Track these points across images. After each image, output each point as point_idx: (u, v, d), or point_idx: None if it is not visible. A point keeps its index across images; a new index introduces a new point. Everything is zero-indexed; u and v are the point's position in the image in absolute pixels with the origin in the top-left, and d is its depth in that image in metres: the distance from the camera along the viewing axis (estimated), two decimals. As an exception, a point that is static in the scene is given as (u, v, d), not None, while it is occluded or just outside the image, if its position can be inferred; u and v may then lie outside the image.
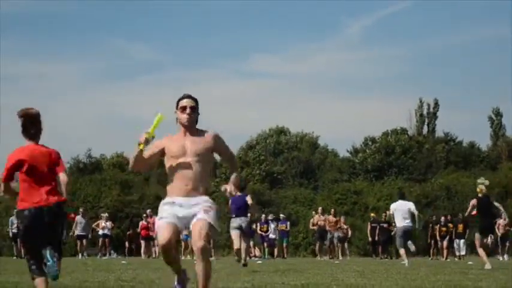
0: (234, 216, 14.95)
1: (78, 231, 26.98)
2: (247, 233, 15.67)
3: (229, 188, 6.26)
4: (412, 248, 17.47)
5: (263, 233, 28.93)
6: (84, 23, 75.79)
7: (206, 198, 5.99)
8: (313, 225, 29.34)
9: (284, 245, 29.68)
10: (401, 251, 17.80)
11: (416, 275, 11.95)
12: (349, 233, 30.36)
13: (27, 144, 6.23)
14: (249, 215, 15.15)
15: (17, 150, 6.23)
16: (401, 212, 17.66)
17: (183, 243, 28.42)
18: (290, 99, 76.93)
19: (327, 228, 28.81)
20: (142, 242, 28.78)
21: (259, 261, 21.66)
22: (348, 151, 54.86)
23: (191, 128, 6.04)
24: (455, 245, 28.86)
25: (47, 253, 5.96)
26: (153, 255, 27.95)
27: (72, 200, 34.67)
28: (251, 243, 25.34)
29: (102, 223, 28.83)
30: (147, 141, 5.97)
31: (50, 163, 6.22)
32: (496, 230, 27.85)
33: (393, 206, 18.07)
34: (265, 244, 29.15)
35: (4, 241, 36.22)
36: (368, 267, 15.62)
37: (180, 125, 6.06)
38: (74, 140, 68.45)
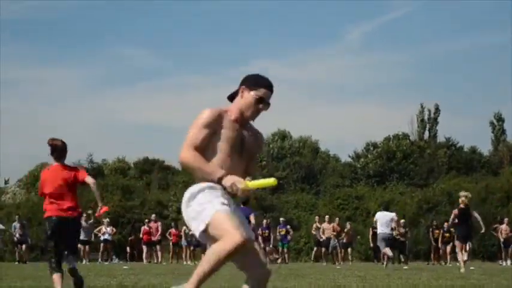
0: None
1: (81, 236, 26.95)
2: None
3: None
4: (390, 253, 19.58)
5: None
6: (84, 29, 76.08)
7: (243, 207, 4.91)
8: (316, 229, 29.27)
9: (282, 249, 29.48)
10: (385, 250, 19.74)
11: (418, 280, 11.95)
12: (355, 239, 30.32)
13: (53, 164, 7.94)
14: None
15: (44, 170, 8.05)
16: (382, 221, 19.75)
17: (184, 248, 28.47)
18: (291, 105, 77.10)
19: (331, 235, 28.77)
20: (144, 247, 28.78)
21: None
22: (349, 156, 54.95)
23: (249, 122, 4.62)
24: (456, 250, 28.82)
25: (69, 258, 7.73)
26: (155, 261, 27.96)
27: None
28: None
29: (103, 228, 28.85)
30: (243, 191, 4.37)
31: (69, 179, 7.83)
32: (499, 235, 27.83)
33: (376, 216, 20.32)
34: (267, 249, 29.10)
35: (6, 246, 36.25)
36: (370, 272, 15.62)
37: (235, 107, 4.50)
38: (74, 145, 68.42)
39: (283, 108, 75.98)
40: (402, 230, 28.00)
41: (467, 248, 17.78)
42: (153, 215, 29.95)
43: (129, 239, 33.31)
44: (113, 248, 30.81)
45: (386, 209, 21.43)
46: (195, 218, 4.25)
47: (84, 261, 26.27)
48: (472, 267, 20.75)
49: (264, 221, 29.74)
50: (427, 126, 55.13)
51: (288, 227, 30.33)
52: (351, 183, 49.43)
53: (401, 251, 28.09)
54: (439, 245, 29.12)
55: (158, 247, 28.39)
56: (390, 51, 74.32)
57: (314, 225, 29.68)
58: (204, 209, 4.22)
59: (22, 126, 75.53)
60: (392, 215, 20.36)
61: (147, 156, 56.13)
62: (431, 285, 10.21)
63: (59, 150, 7.83)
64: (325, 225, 29.10)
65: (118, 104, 76.48)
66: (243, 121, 4.50)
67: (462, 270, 16.35)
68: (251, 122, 4.59)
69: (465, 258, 17.30)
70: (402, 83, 74.29)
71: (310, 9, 74.44)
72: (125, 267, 20.18)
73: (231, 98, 4.58)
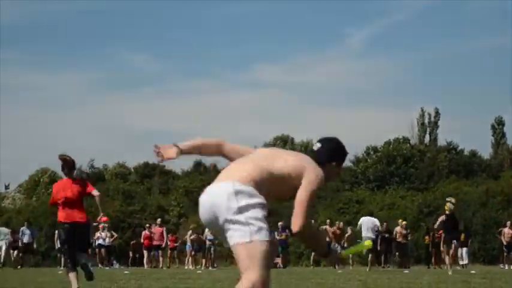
0: None
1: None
2: None
3: None
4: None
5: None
6: (84, 33, 76.07)
7: None
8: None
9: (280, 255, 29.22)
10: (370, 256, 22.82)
11: (419, 284, 11.95)
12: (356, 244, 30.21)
13: (64, 179, 9.64)
14: None
15: (56, 183, 9.84)
16: (366, 225, 21.80)
17: (188, 252, 28.43)
18: (292, 109, 77.06)
19: (332, 240, 28.71)
20: (145, 252, 28.76)
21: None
22: (349, 160, 54.89)
23: None
24: (458, 253, 28.79)
25: (83, 261, 9.26)
26: (159, 265, 27.91)
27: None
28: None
29: (97, 233, 28.75)
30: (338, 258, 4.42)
31: (78, 192, 9.37)
32: (502, 238, 27.77)
33: (361, 221, 22.32)
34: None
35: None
36: (370, 277, 15.62)
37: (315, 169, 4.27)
38: (75, 150, 68.50)
39: (285, 113, 76.10)
40: (404, 232, 28.04)
41: (452, 251, 20.15)
42: (159, 220, 30.08)
43: (131, 243, 33.28)
44: (113, 253, 30.76)
45: (371, 215, 23.98)
46: (242, 226, 3.93)
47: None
48: (473, 271, 20.75)
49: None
50: (428, 130, 55.15)
51: (287, 231, 30.24)
52: (351, 187, 49.35)
53: (402, 253, 28.13)
54: (441, 248, 29.02)
55: (160, 252, 28.35)
56: (391, 55, 74.33)
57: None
58: (259, 228, 3.96)
59: (23, 131, 75.52)
60: (376, 220, 22.79)
61: (148, 161, 56.16)
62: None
63: (69, 166, 9.45)
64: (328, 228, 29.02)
65: (119, 109, 76.47)
66: None
67: (450, 272, 18.23)
68: None
69: (450, 261, 19.94)
70: (402, 86, 74.29)
71: (311, 13, 74.47)
72: (126, 272, 20.18)
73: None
